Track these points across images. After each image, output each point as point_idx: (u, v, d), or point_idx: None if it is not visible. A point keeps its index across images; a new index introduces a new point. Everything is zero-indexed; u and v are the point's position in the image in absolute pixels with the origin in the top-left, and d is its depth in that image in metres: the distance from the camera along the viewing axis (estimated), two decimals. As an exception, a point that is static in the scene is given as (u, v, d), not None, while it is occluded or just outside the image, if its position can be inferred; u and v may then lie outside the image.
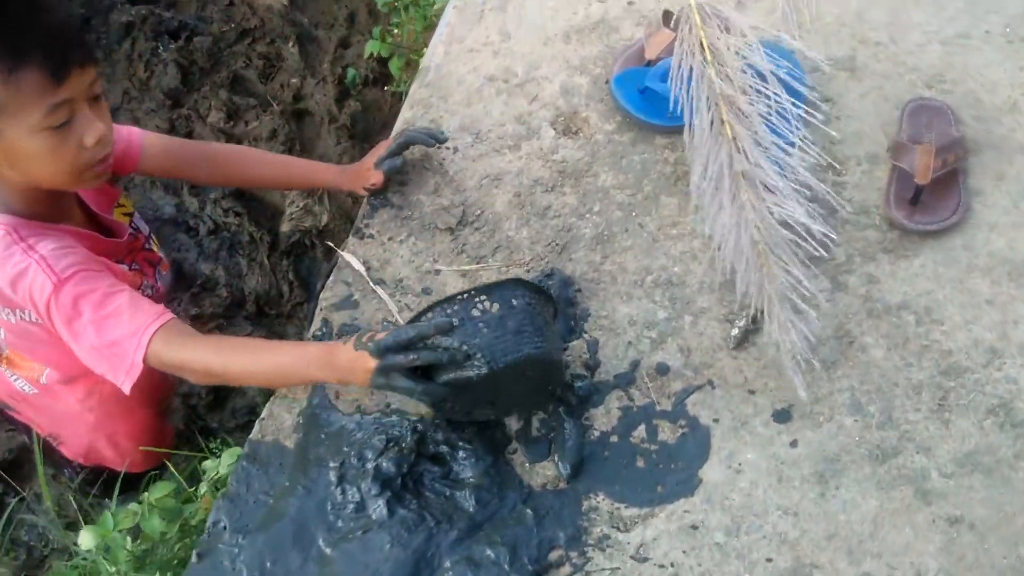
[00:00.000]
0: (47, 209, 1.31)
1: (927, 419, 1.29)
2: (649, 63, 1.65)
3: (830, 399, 1.32)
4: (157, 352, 1.22)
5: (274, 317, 3.08)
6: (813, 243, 1.29)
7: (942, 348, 1.36)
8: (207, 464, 1.45)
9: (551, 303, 1.32)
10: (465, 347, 1.16)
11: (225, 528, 1.25)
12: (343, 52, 3.77)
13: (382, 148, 1.58)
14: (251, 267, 3.20)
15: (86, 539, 1.25)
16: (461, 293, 1.20)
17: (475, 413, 1.29)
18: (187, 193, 3.36)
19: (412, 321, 1.22)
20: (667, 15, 1.58)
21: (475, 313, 1.19)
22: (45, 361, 1.50)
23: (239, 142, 3.43)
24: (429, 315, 1.20)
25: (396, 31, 3.04)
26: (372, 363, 1.15)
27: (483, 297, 1.20)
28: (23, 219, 1.26)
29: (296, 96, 3.70)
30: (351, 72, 3.60)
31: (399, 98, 3.52)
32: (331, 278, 1.49)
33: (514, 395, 1.27)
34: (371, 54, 3.16)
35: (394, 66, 3.13)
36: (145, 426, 1.74)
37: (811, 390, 1.32)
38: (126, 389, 1.24)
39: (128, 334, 1.22)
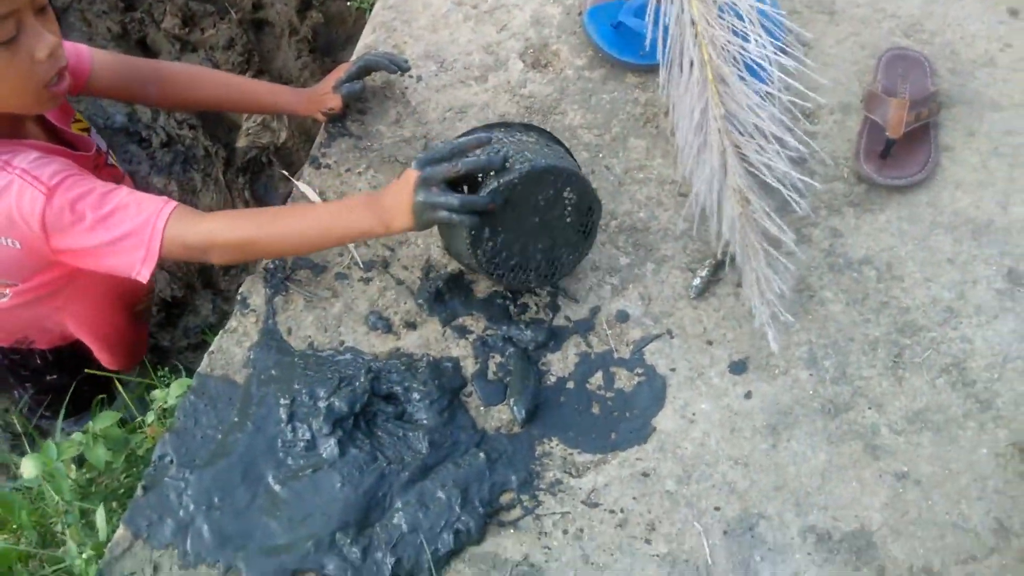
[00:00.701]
0: (9, 129, 1.25)
1: (881, 375, 1.30)
2: (621, -5, 1.60)
3: (787, 352, 1.32)
4: (177, 235, 1.20)
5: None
6: (792, 194, 1.28)
7: (900, 305, 1.36)
8: (155, 393, 1.42)
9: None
10: (503, 152, 1.18)
11: (172, 462, 1.22)
12: (304, -42, 3.61)
13: (341, 71, 1.52)
14: (205, 183, 3.11)
15: (28, 467, 1.22)
16: (474, 128, 1.27)
17: (513, 265, 1.26)
18: (139, 106, 3.24)
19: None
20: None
21: (510, 137, 1.24)
22: (24, 279, 1.44)
23: (194, 50, 3.29)
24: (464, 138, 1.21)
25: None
26: (414, 177, 1.13)
27: (497, 128, 1.27)
28: None
29: (256, 4, 3.54)
30: (313, -21, 3.46)
31: (363, 13, 3.39)
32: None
33: (554, 229, 1.25)
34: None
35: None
36: (122, 330, 1.71)
37: (765, 343, 1.32)
38: (144, 278, 1.22)
39: (140, 225, 1.19)
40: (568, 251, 1.28)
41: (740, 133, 1.32)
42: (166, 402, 1.41)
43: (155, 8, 3.48)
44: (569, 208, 1.22)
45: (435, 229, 1.37)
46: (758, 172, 1.31)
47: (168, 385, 1.42)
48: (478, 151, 1.17)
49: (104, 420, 1.30)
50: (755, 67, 1.36)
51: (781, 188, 1.30)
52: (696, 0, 1.37)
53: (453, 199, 1.13)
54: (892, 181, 1.45)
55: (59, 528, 1.30)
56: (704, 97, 1.34)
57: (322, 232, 1.24)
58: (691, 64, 1.35)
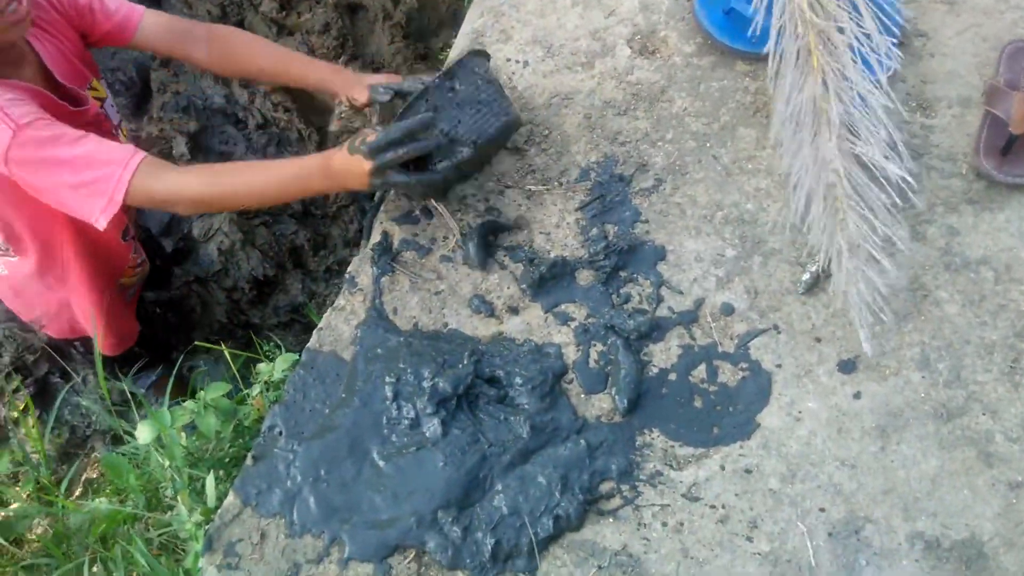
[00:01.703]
0: (7, 70, 1.34)
1: (997, 380, 1.26)
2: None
3: (898, 353, 1.29)
4: (143, 185, 1.26)
5: (319, 218, 3.08)
6: (892, 191, 1.24)
7: (1019, 308, 1.31)
8: (261, 367, 1.46)
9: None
10: (450, 133, 1.32)
11: (281, 434, 1.26)
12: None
13: (384, 78, 1.58)
14: (298, 165, 3.17)
15: (144, 433, 1.26)
16: (431, 81, 1.35)
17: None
18: (237, 85, 3.31)
19: (397, 120, 1.31)
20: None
21: (449, 96, 1.35)
22: (5, 234, 1.54)
23: (291, 33, 3.36)
24: (409, 113, 1.31)
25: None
26: (367, 165, 1.25)
27: (450, 81, 1.36)
28: None
29: (350, -10, 3.60)
30: (405, -33, 3.48)
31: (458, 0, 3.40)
32: (391, 191, 1.47)
33: (489, 153, 1.45)
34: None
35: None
36: (108, 305, 1.78)
37: (879, 342, 1.29)
38: (101, 226, 1.28)
39: (106, 174, 1.26)
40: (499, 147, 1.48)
41: (846, 126, 1.28)
42: (271, 375, 1.45)
43: (254, -9, 3.56)
44: (503, 138, 1.44)
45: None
46: (868, 164, 1.27)
47: (273, 360, 1.46)
48: (422, 134, 1.29)
49: (216, 390, 1.34)
50: (868, 58, 1.32)
51: (886, 182, 1.26)
52: None
53: (407, 179, 1.28)
54: (1014, 179, 1.39)
55: (168, 492, 1.35)
56: (810, 86, 1.30)
57: (280, 191, 1.35)
58: (798, 52, 1.32)
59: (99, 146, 1.28)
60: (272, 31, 3.46)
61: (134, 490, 1.43)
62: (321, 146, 3.21)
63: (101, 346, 1.81)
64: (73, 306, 1.77)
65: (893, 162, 1.25)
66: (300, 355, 1.35)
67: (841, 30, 1.31)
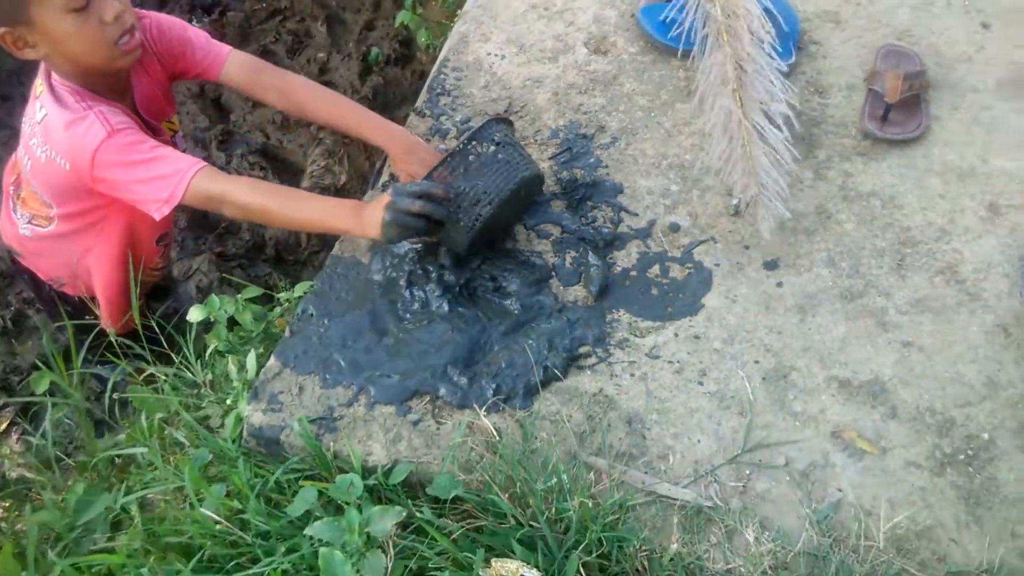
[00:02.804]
0: (104, 91, 1.60)
1: (888, 273, 1.59)
2: None
3: (809, 256, 1.61)
4: (201, 185, 1.50)
5: (291, 263, 3.34)
6: (784, 128, 1.60)
7: (902, 225, 1.66)
8: (282, 295, 1.71)
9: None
10: (470, 194, 1.46)
11: (312, 315, 1.51)
12: (368, 33, 4.09)
13: (434, 158, 1.69)
14: (272, 216, 3.47)
15: (195, 314, 1.50)
16: (457, 146, 1.51)
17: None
18: (215, 148, 3.64)
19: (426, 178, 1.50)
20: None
21: (471, 159, 1.50)
22: (59, 203, 1.76)
23: (266, 107, 3.74)
24: (435, 172, 1.50)
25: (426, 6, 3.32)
26: (386, 200, 1.42)
27: (473, 143, 1.51)
28: (86, 90, 1.57)
29: (322, 69, 4.01)
30: (375, 51, 3.91)
31: (419, 76, 3.82)
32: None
33: (514, 211, 1.60)
34: (400, 23, 3.45)
35: (422, 37, 3.42)
36: (126, 291, 1.93)
37: (793, 250, 1.61)
38: (158, 216, 1.52)
39: (174, 171, 1.51)
40: (525, 206, 1.66)
41: (745, 85, 1.64)
42: (290, 300, 1.69)
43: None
44: (525, 195, 1.59)
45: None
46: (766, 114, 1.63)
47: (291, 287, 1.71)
48: (438, 202, 1.44)
49: (250, 292, 1.58)
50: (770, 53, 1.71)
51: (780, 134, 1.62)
52: (719, 4, 1.75)
53: (417, 224, 1.43)
54: (892, 136, 1.77)
55: (204, 376, 1.56)
56: (719, 58, 1.68)
57: (314, 222, 1.59)
58: (712, 39, 1.70)
59: (172, 152, 1.55)
60: (248, 105, 3.83)
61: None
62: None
63: (109, 316, 2.00)
64: (93, 274, 1.97)
65: (778, 103, 1.61)
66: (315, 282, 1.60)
67: (748, 30, 1.71)
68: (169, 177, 1.50)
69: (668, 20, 1.93)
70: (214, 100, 3.91)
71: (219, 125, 3.76)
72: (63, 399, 1.61)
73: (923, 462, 1.35)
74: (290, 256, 3.37)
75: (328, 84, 3.98)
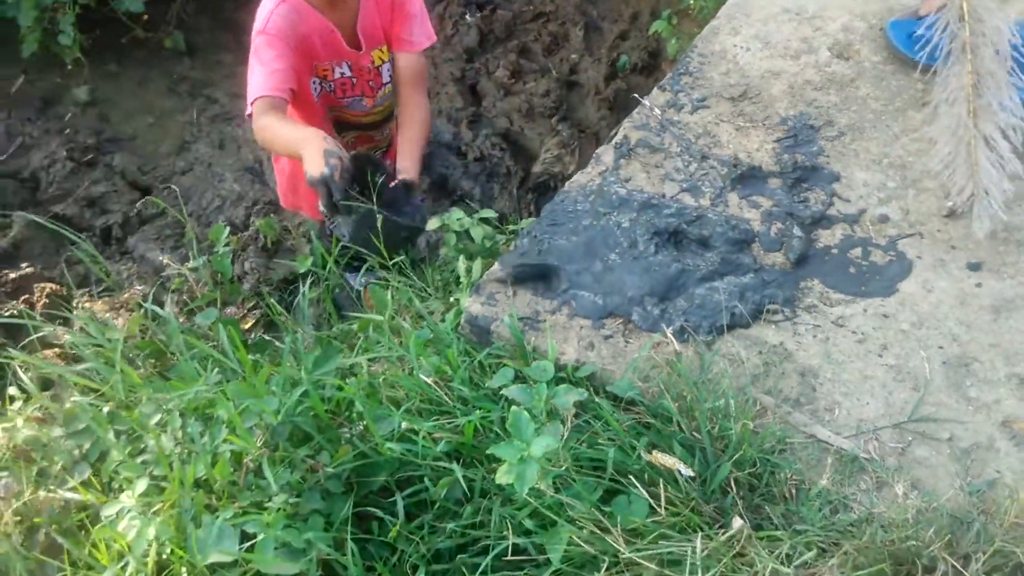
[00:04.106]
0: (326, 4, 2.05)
1: (1098, 294, 1.58)
2: (920, 17, 2.04)
3: (1016, 265, 1.64)
4: (255, 111, 1.93)
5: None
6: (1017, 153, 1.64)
7: (1125, 254, 1.64)
8: (510, 226, 1.95)
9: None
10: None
11: (536, 237, 1.73)
12: (620, 43, 4.35)
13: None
14: (501, 193, 3.82)
15: (432, 223, 1.77)
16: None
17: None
18: (465, 127, 4.03)
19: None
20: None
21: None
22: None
23: (515, 96, 4.10)
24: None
25: (688, 9, 3.50)
26: (320, 149, 1.79)
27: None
28: None
29: (572, 70, 4.32)
30: (623, 58, 4.16)
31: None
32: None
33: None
34: (654, 32, 3.66)
35: (671, 47, 3.61)
36: None
37: (1000, 257, 1.65)
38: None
39: (251, 91, 1.95)
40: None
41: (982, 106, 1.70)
42: (516, 232, 1.92)
43: (490, 63, 4.35)
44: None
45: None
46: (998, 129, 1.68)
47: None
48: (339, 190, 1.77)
49: (486, 212, 1.83)
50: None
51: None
52: (969, 25, 1.81)
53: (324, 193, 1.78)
54: None
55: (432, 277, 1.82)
56: (963, 76, 1.75)
57: (288, 150, 1.94)
58: (957, 56, 1.77)
59: (266, 72, 1.96)
60: (499, 93, 4.20)
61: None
62: (523, 182, 3.87)
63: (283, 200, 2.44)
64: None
65: (1010, 116, 1.65)
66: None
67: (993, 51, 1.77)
68: (249, 93, 1.95)
69: (916, 36, 2.01)
70: (471, 86, 4.32)
71: (471, 108, 4.16)
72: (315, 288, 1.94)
73: (1095, 465, 1.36)
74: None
75: (575, 84, 4.30)
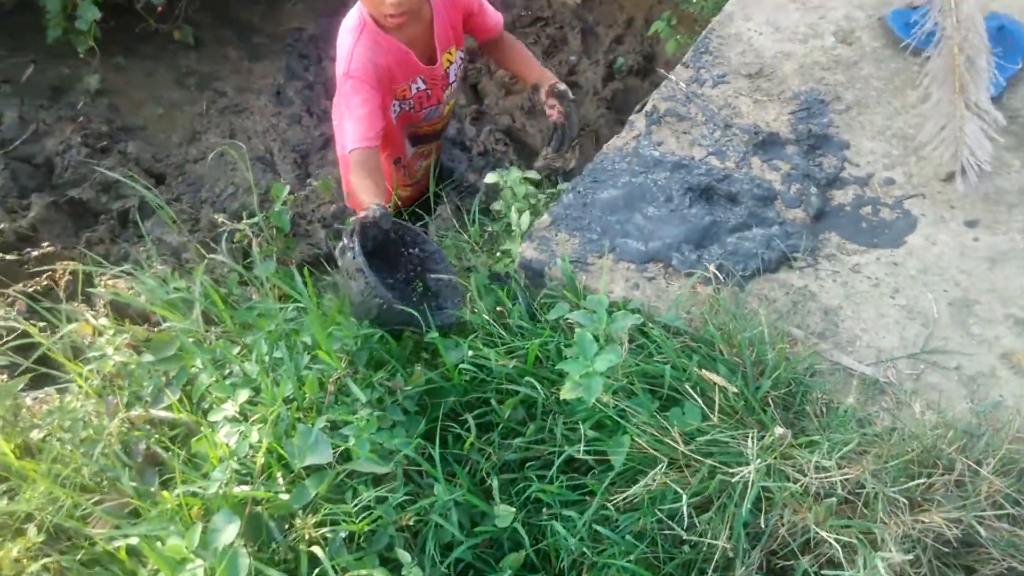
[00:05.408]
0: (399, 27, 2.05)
1: (1080, 248, 1.79)
2: (915, 7, 2.25)
3: (1007, 223, 1.84)
4: (352, 163, 1.96)
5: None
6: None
7: (1101, 214, 1.86)
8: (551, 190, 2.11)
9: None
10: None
11: (581, 191, 1.89)
12: (616, 46, 4.54)
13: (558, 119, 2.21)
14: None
15: (490, 178, 1.92)
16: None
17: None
18: (468, 123, 4.18)
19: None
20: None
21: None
22: None
23: (516, 96, 4.30)
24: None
25: (688, 8, 3.69)
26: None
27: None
28: (374, 22, 2.03)
29: (571, 71, 4.50)
30: (620, 60, 4.35)
31: (655, 87, 4.21)
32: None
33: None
34: (653, 32, 3.85)
35: (670, 47, 3.80)
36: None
37: (993, 216, 1.85)
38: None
39: (347, 140, 1.98)
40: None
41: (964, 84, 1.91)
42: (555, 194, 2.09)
43: (490, 63, 4.51)
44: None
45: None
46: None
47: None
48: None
49: (531, 173, 1.99)
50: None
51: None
52: (953, 15, 2.03)
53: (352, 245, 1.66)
54: (1106, 142, 1.97)
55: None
56: (946, 58, 1.96)
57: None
58: (942, 48, 1.99)
59: (357, 119, 1.97)
60: (500, 93, 4.37)
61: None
62: (525, 176, 4.05)
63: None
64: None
65: (987, 94, 1.87)
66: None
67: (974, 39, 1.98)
68: (341, 138, 2.05)
69: (913, 23, 2.22)
70: (472, 86, 4.48)
71: (474, 105, 4.32)
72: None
73: (1083, 386, 1.56)
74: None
75: (574, 85, 4.48)
